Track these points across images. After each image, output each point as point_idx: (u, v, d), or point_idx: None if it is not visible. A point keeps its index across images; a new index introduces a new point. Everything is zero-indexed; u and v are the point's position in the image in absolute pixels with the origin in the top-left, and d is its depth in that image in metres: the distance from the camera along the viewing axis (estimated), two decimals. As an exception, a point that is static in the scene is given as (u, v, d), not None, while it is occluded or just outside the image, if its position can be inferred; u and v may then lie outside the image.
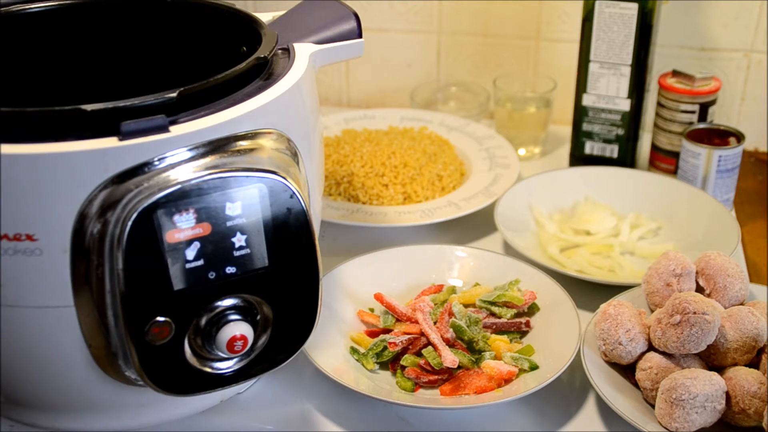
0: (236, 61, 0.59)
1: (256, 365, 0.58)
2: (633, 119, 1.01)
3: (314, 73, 0.67)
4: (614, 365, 0.70)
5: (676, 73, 1.01)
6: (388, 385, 0.71)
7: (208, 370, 0.56)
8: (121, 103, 0.51)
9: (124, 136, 0.50)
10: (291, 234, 0.56)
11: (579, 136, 1.05)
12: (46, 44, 0.73)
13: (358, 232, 0.94)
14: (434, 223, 0.94)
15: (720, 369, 0.67)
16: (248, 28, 0.68)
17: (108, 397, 0.58)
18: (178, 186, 0.51)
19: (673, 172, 1.02)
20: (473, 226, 0.95)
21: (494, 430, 0.68)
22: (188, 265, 0.53)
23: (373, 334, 0.75)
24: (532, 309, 0.77)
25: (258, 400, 0.70)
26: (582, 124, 1.04)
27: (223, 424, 0.68)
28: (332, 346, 0.73)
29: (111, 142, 0.50)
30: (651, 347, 0.69)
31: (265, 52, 0.61)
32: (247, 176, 0.54)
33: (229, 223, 0.54)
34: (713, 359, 0.67)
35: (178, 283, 0.53)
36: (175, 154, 0.52)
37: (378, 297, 0.77)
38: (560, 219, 0.94)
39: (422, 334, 0.73)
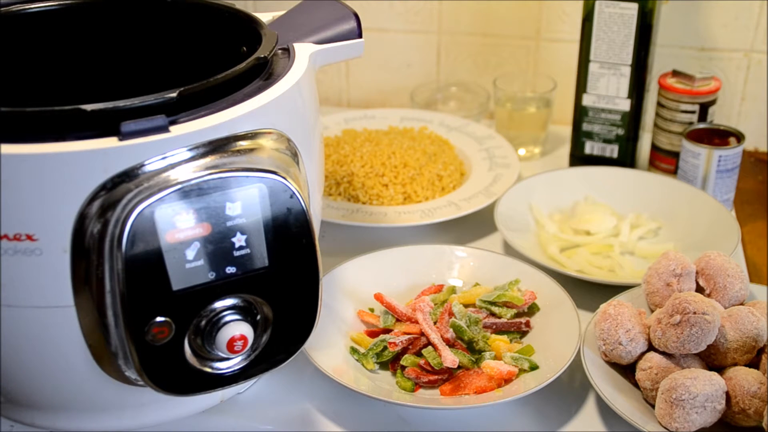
0: (236, 61, 0.59)
1: (256, 365, 0.58)
2: (633, 119, 1.01)
3: (314, 73, 0.67)
4: (614, 365, 0.70)
5: (676, 73, 1.01)
6: (388, 385, 0.71)
7: (208, 370, 0.56)
8: (121, 103, 0.51)
9: (124, 136, 0.50)
10: (291, 234, 0.56)
11: (579, 136, 1.05)
12: (46, 44, 0.73)
13: (358, 232, 0.94)
14: (434, 223, 0.94)
15: (720, 369, 0.67)
16: (248, 28, 0.68)
17: (108, 397, 0.58)
18: (178, 186, 0.51)
19: (673, 172, 1.02)
20: (473, 226, 0.95)
21: (494, 430, 0.68)
22: (188, 265, 0.53)
23: (373, 334, 0.75)
24: (532, 309, 0.77)
25: (258, 400, 0.71)
26: (582, 124, 1.04)
27: (223, 424, 0.68)
28: (332, 346, 0.73)
29: (111, 142, 0.50)
30: (651, 347, 0.69)
31: (265, 52, 0.61)
32: (247, 176, 0.54)
33: (229, 223, 0.54)
34: (713, 359, 0.67)
35: (177, 283, 0.53)
36: (175, 154, 0.52)
37: (378, 297, 0.77)
38: (560, 219, 0.94)
39: (422, 334, 0.73)
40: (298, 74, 0.61)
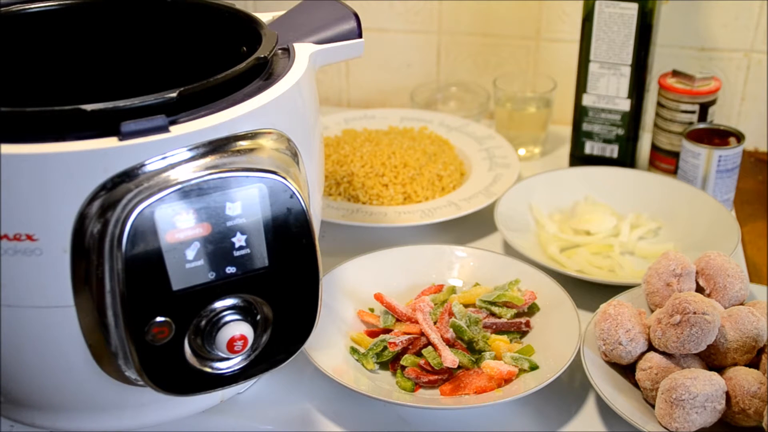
0: (236, 61, 0.59)
1: (256, 365, 0.58)
2: (633, 119, 1.01)
3: (314, 73, 0.67)
4: (614, 365, 0.70)
5: (676, 73, 1.01)
6: (388, 385, 0.71)
7: (208, 370, 0.56)
8: (121, 103, 0.51)
9: (124, 136, 0.50)
10: (291, 234, 0.56)
11: (579, 136, 1.05)
12: (46, 44, 0.73)
13: (358, 232, 0.94)
14: (434, 223, 0.94)
15: (720, 369, 0.67)
16: (248, 28, 0.68)
17: (108, 397, 0.58)
18: (178, 186, 0.51)
19: (673, 172, 1.02)
20: (473, 226, 0.95)
21: (494, 430, 0.68)
22: (188, 265, 0.53)
23: (373, 334, 0.75)
24: (532, 309, 0.77)
25: (258, 400, 0.71)
26: (582, 124, 1.04)
27: (223, 424, 0.68)
28: (332, 346, 0.73)
29: (111, 142, 0.50)
30: (651, 347, 0.69)
31: (265, 52, 0.61)
32: (247, 176, 0.54)
33: (229, 223, 0.54)
34: (713, 359, 0.67)
35: (177, 283, 0.53)
36: (175, 154, 0.52)
37: (378, 297, 0.77)
38: (560, 219, 0.94)
39: (422, 334, 0.73)
40: (298, 74, 0.61)
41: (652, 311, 0.74)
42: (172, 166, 0.52)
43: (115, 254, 0.50)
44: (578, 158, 1.06)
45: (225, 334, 0.55)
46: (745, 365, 0.67)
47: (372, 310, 0.79)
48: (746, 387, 0.63)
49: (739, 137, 0.95)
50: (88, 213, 0.50)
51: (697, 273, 0.74)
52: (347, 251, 0.86)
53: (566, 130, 1.13)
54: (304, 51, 0.65)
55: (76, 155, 0.49)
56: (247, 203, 0.54)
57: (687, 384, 0.62)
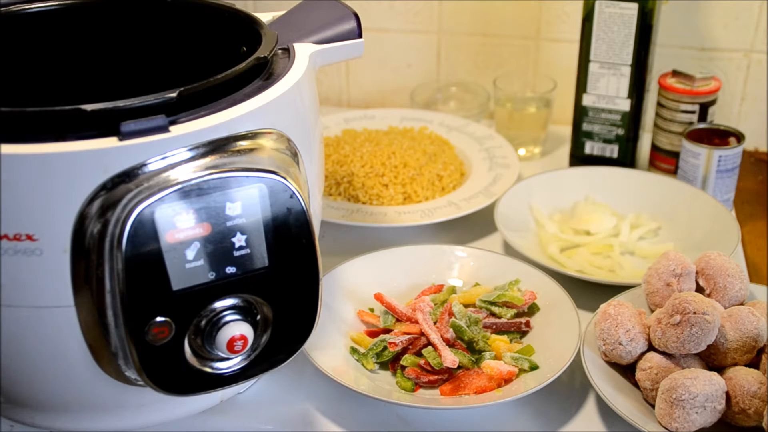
0: (236, 61, 0.59)
1: (256, 365, 0.58)
2: (633, 119, 1.01)
3: (314, 73, 0.67)
4: (614, 365, 0.70)
5: (676, 73, 1.01)
6: (388, 385, 0.71)
7: (208, 370, 0.56)
8: (121, 103, 0.51)
9: (124, 136, 0.50)
10: (291, 234, 0.56)
11: (579, 136, 1.05)
12: (46, 44, 0.73)
13: (358, 232, 0.94)
14: (434, 223, 0.94)
15: (720, 369, 0.67)
16: (248, 28, 0.68)
17: (108, 397, 0.58)
18: (178, 186, 0.51)
19: (673, 172, 1.03)
20: (473, 226, 0.95)
21: (494, 430, 0.68)
22: (188, 265, 0.53)
23: (373, 334, 0.75)
24: (532, 309, 0.77)
25: (258, 400, 0.71)
26: (582, 124, 1.04)
27: (223, 424, 0.68)
28: (332, 346, 0.73)
29: (111, 142, 0.50)
30: (651, 347, 0.69)
31: (265, 52, 0.61)
32: (247, 176, 0.54)
33: (229, 223, 0.54)
34: (713, 359, 0.67)
35: (177, 283, 0.53)
36: (175, 154, 0.52)
37: (378, 297, 0.77)
38: (560, 219, 0.94)
39: (422, 334, 0.73)
40: (298, 74, 0.61)
41: (652, 311, 0.74)
42: (172, 166, 0.52)
43: (115, 254, 0.50)
44: (578, 158, 1.06)
45: (225, 334, 0.55)
46: (745, 365, 0.67)
47: (372, 310, 0.79)
48: (746, 387, 0.63)
49: (739, 137, 0.95)
50: (88, 213, 0.50)
51: (697, 273, 0.74)
52: (347, 251, 0.86)
53: (566, 130, 1.13)
54: (304, 51, 0.65)
55: (76, 155, 0.49)
56: (247, 203, 0.54)
57: (687, 384, 0.62)
